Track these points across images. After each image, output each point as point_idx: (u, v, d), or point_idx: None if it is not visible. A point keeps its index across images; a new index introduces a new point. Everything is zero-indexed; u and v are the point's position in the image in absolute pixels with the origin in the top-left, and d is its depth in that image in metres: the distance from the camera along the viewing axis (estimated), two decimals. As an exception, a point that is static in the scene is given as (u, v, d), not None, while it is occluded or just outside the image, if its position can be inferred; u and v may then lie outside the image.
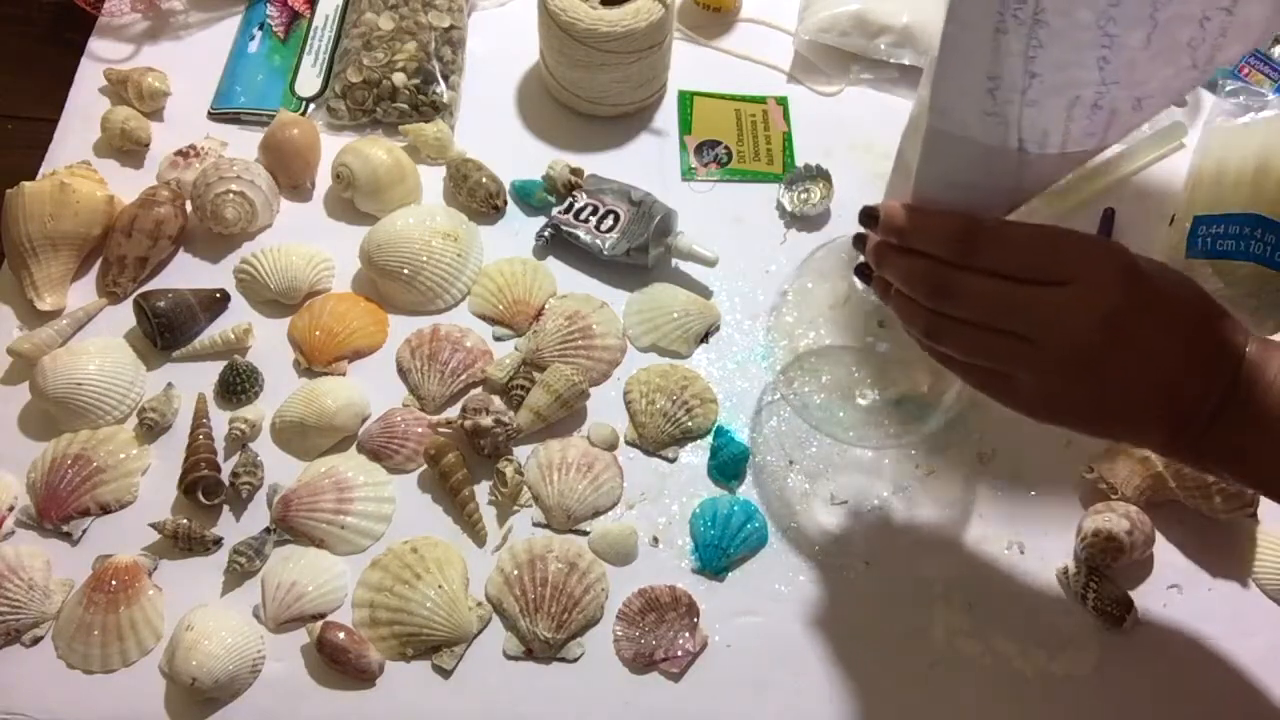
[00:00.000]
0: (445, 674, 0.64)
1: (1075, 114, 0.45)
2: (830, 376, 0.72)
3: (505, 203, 0.83)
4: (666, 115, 0.89)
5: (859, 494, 0.72)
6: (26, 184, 0.75)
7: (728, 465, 0.71)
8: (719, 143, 0.88)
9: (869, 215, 0.52)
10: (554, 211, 0.81)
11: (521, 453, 0.72)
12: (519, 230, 0.83)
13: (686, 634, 0.66)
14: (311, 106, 0.87)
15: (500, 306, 0.78)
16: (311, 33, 0.91)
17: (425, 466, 0.71)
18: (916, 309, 0.50)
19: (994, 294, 0.47)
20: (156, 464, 0.71)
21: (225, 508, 0.69)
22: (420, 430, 0.72)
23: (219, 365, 0.74)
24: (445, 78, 0.86)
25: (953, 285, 0.48)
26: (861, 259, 0.53)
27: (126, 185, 0.80)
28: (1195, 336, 0.48)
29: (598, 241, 0.79)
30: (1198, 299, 0.49)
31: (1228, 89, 0.85)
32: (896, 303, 0.52)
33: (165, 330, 0.74)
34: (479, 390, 0.75)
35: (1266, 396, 0.48)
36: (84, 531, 0.68)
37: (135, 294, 0.76)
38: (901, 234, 0.50)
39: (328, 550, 0.68)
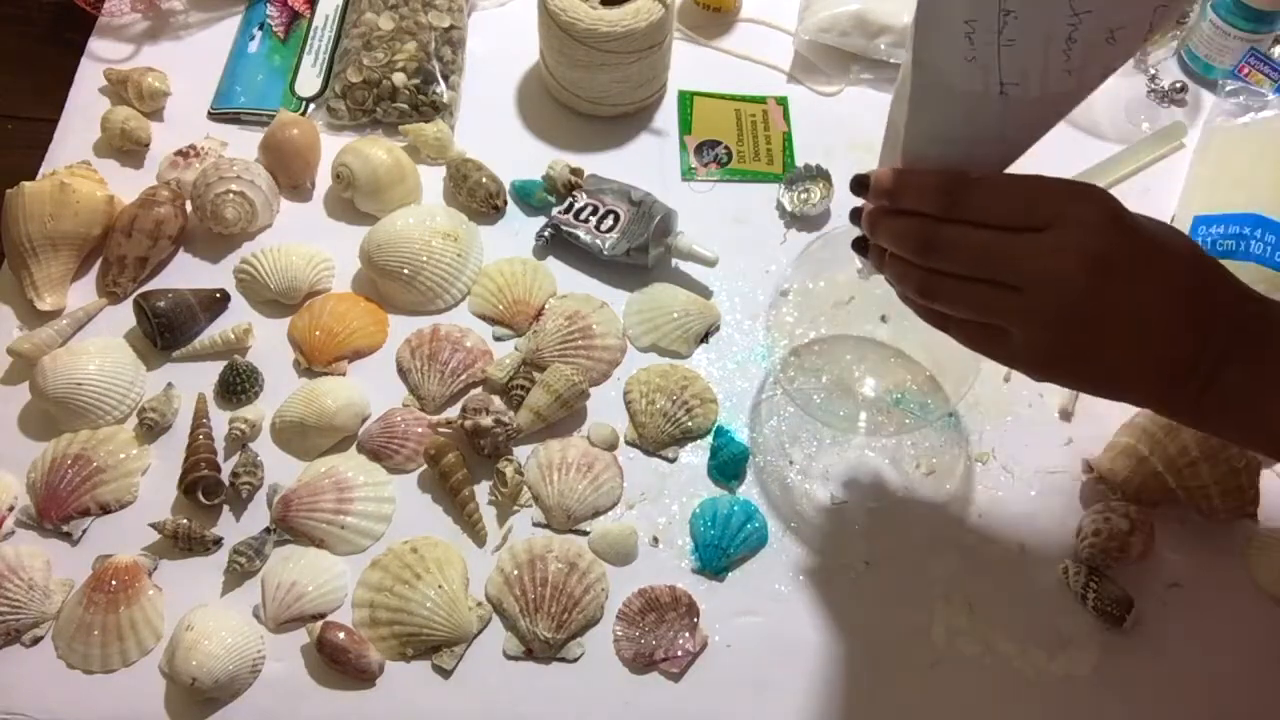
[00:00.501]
0: (445, 674, 0.64)
1: (1051, 51, 0.45)
2: (831, 370, 0.72)
3: (505, 203, 0.83)
4: (666, 115, 0.89)
5: (859, 494, 0.72)
6: (26, 184, 0.75)
7: (728, 465, 0.71)
8: (719, 143, 0.88)
9: (860, 183, 0.52)
10: (554, 211, 0.81)
11: (521, 453, 0.72)
12: (519, 230, 0.83)
13: (686, 634, 0.66)
14: (311, 106, 0.87)
15: (500, 306, 0.78)
16: (311, 33, 0.91)
17: (425, 466, 0.71)
18: (909, 269, 0.50)
19: (979, 243, 0.47)
20: (156, 464, 0.71)
21: (225, 508, 0.69)
22: (420, 430, 0.72)
23: (219, 365, 0.74)
24: (445, 78, 0.86)
25: (939, 238, 0.48)
26: (859, 233, 0.54)
27: (126, 185, 0.80)
28: (1189, 288, 0.47)
29: (598, 241, 0.79)
30: (1190, 253, 0.48)
31: (1228, 89, 0.85)
32: (890, 267, 0.51)
33: (165, 330, 0.74)
34: (479, 390, 0.75)
35: (1271, 355, 0.47)
36: (84, 531, 0.68)
37: (135, 294, 0.76)
38: (890, 195, 0.50)
39: (328, 550, 0.68)
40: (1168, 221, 0.82)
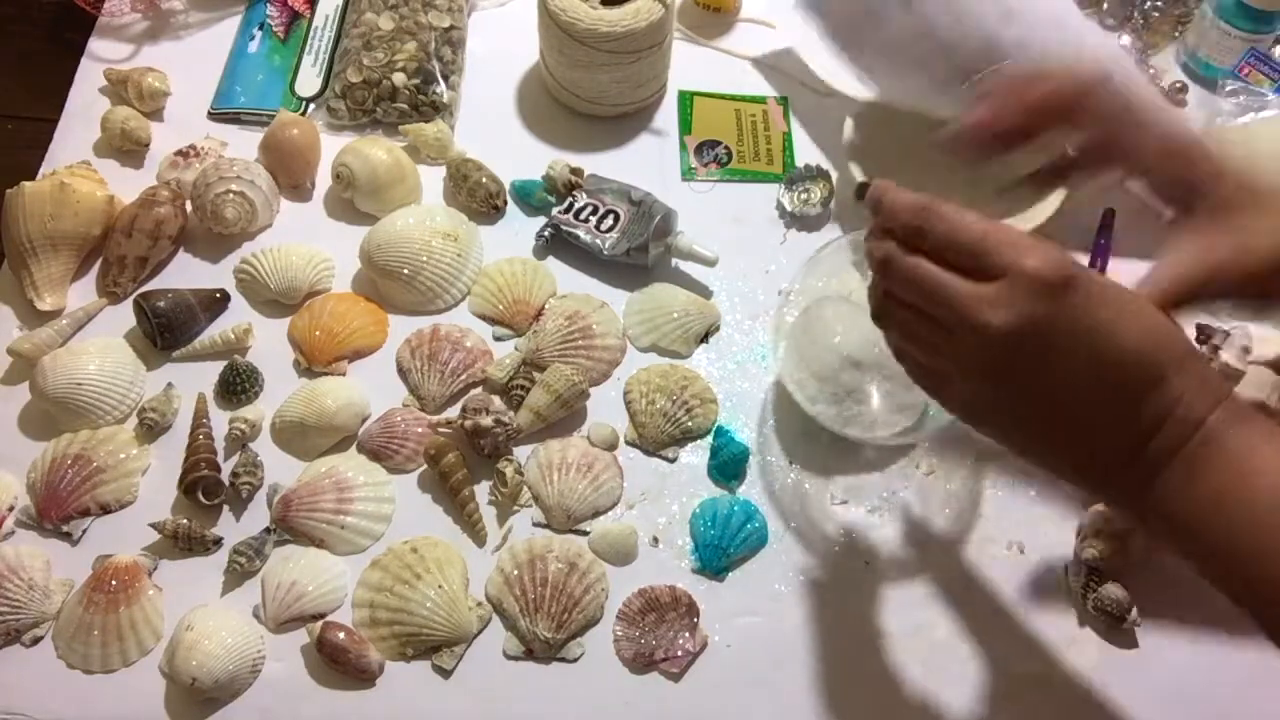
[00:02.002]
0: (445, 674, 0.64)
1: None
2: (835, 370, 0.72)
3: (505, 203, 0.83)
4: (666, 115, 0.89)
5: (859, 494, 0.72)
6: (26, 184, 0.75)
7: (728, 465, 0.71)
8: (719, 143, 0.88)
9: (860, 192, 0.51)
10: (554, 211, 0.81)
11: (521, 453, 0.72)
12: (519, 230, 0.83)
13: (686, 634, 0.66)
14: (311, 106, 0.87)
15: (500, 306, 0.78)
16: (311, 33, 0.91)
17: (425, 466, 0.71)
18: (873, 289, 0.49)
19: (925, 277, 0.45)
20: (156, 464, 0.71)
21: (225, 508, 0.69)
22: (420, 430, 0.72)
23: (219, 365, 0.74)
24: (445, 78, 0.86)
25: (893, 261, 0.47)
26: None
27: (126, 185, 0.80)
28: (1118, 382, 0.44)
29: (598, 241, 0.79)
30: (1135, 347, 0.44)
31: (1228, 89, 0.85)
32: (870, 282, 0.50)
33: (165, 330, 0.74)
34: (479, 390, 0.75)
35: (1219, 476, 0.44)
36: (84, 531, 0.68)
37: (135, 294, 0.76)
38: (875, 211, 0.48)
39: (328, 550, 0.68)
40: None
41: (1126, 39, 0.91)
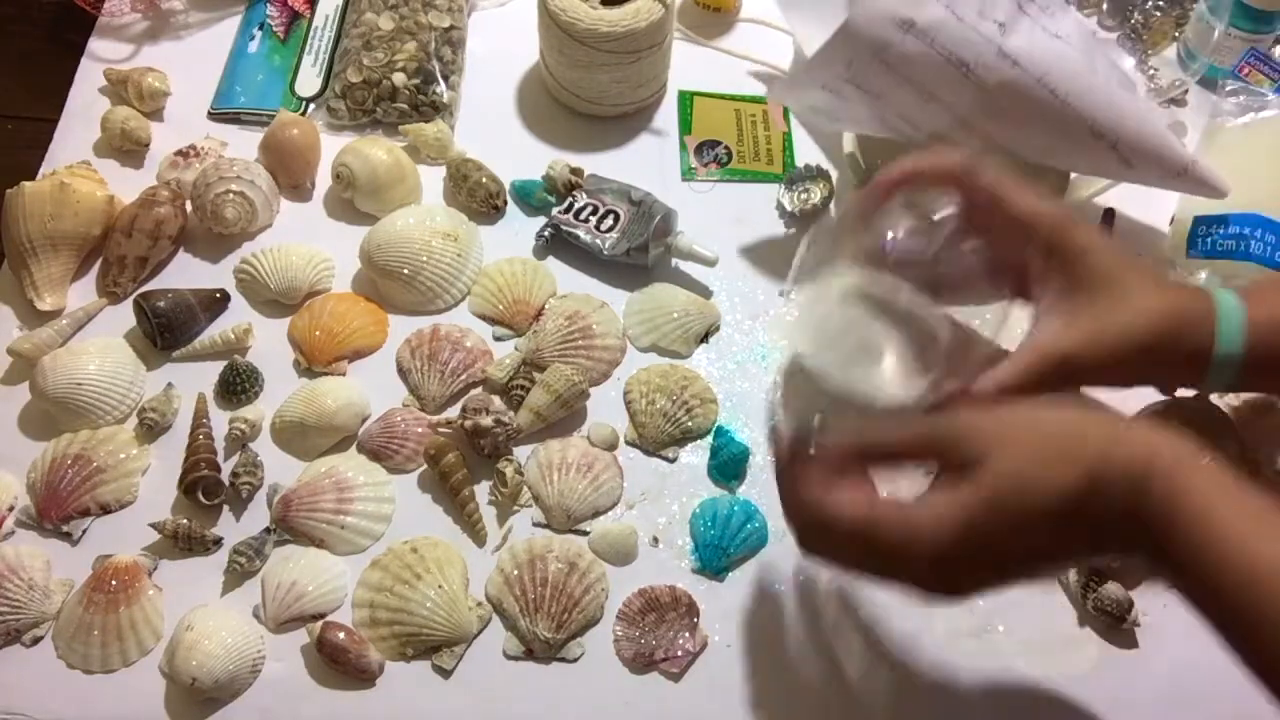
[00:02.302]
0: (445, 674, 0.64)
1: None
2: (849, 338, 0.69)
3: (505, 203, 0.83)
4: (666, 115, 0.89)
5: (859, 494, 0.72)
6: (26, 184, 0.75)
7: (728, 465, 0.71)
8: (719, 143, 0.87)
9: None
10: (554, 211, 0.81)
11: (521, 453, 0.72)
12: (519, 230, 0.82)
13: (686, 634, 0.66)
14: (311, 106, 0.87)
15: (500, 306, 0.78)
16: (311, 33, 0.91)
17: (425, 466, 0.71)
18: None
19: (849, 557, 0.50)
20: (156, 464, 0.71)
21: (225, 508, 0.69)
22: (420, 430, 0.72)
23: (219, 365, 0.74)
24: (445, 78, 0.86)
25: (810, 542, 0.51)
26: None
27: (126, 185, 0.80)
28: (1060, 526, 0.46)
29: (598, 241, 0.79)
30: (1060, 478, 0.46)
31: (1228, 89, 0.85)
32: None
33: (165, 330, 0.74)
34: (479, 390, 0.75)
35: (1174, 535, 0.45)
36: (84, 531, 0.68)
37: (135, 294, 0.76)
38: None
39: (328, 550, 0.68)
40: (1168, 221, 0.82)
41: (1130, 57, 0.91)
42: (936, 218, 0.56)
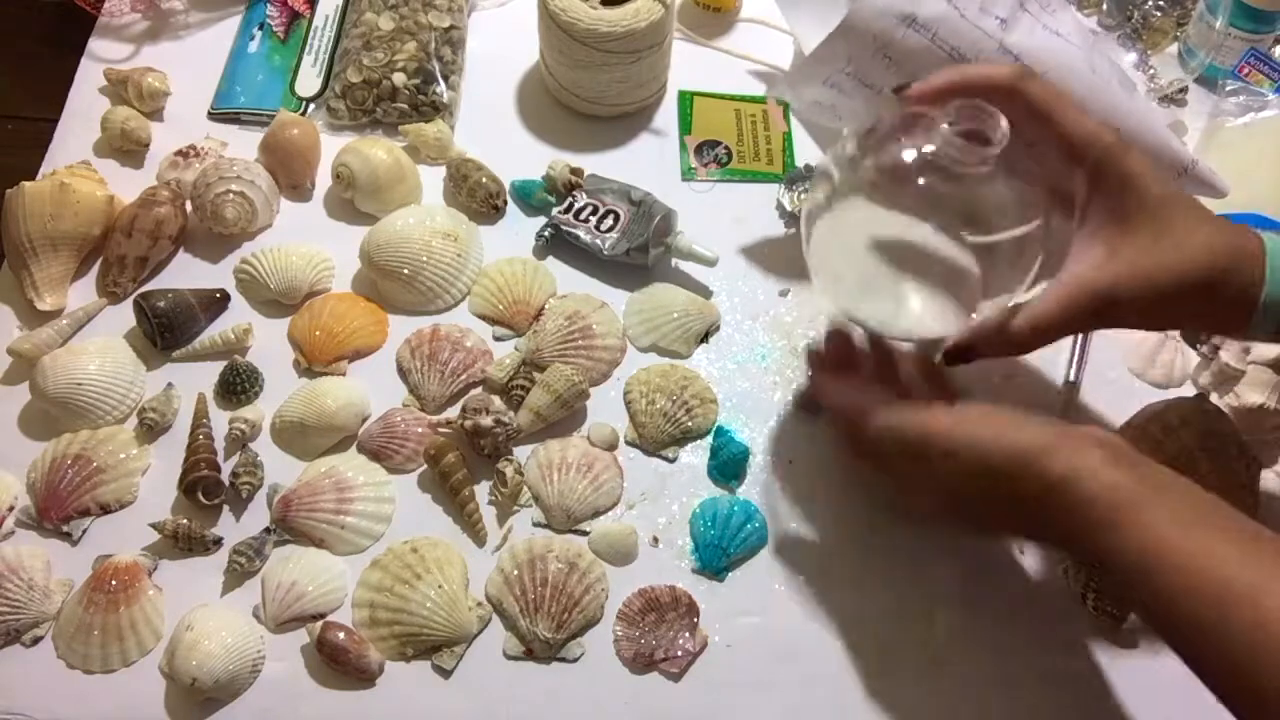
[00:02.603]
0: (445, 674, 0.64)
1: None
2: (875, 275, 0.62)
3: (505, 203, 0.83)
4: (666, 115, 0.89)
5: (860, 493, 0.72)
6: (26, 184, 0.75)
7: (728, 465, 0.71)
8: (719, 143, 0.88)
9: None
10: (554, 211, 0.81)
11: (521, 453, 0.72)
12: (519, 230, 0.83)
13: (686, 634, 0.66)
14: (311, 106, 0.87)
15: (500, 306, 0.78)
16: (311, 33, 0.91)
17: (425, 466, 0.71)
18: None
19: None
20: (156, 464, 0.71)
21: (225, 508, 0.69)
22: (420, 430, 0.72)
23: (219, 365, 0.74)
24: (445, 78, 0.86)
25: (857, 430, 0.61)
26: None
27: (126, 185, 0.80)
28: (1010, 490, 0.53)
29: (598, 241, 0.79)
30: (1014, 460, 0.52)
31: (1228, 89, 0.85)
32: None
33: (165, 330, 0.74)
34: (479, 390, 0.75)
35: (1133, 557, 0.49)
36: (84, 531, 0.68)
37: (135, 294, 0.76)
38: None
39: (328, 550, 0.68)
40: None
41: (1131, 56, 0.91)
42: (985, 134, 0.52)
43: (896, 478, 0.63)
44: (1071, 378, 0.75)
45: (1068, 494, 0.50)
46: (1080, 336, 0.76)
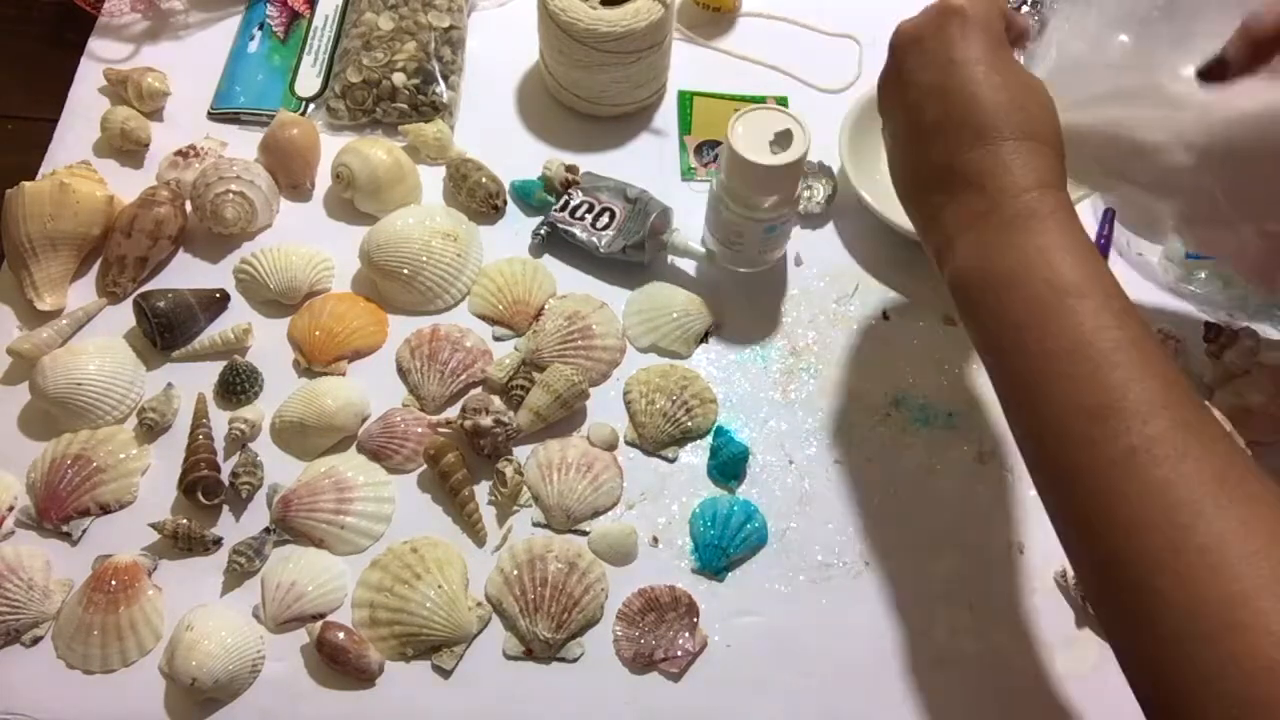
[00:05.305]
0: (445, 674, 0.64)
1: None
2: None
3: (505, 203, 0.83)
4: (666, 115, 0.89)
5: (860, 493, 0.72)
6: (26, 184, 0.75)
7: (728, 465, 0.71)
8: (719, 143, 0.87)
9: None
10: (551, 210, 0.81)
11: (521, 453, 0.72)
12: (519, 230, 0.83)
13: (686, 634, 0.66)
14: (311, 106, 0.87)
15: (500, 306, 0.78)
16: (311, 33, 0.91)
17: (425, 466, 0.71)
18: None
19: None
20: (156, 464, 0.71)
21: (225, 508, 0.69)
22: (420, 430, 0.72)
23: (219, 365, 0.74)
24: (445, 78, 0.86)
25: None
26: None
27: (126, 185, 0.80)
28: (962, 119, 0.50)
29: (594, 239, 0.79)
30: (1003, 102, 0.50)
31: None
32: None
33: (165, 330, 0.74)
34: (479, 390, 0.75)
35: (1017, 256, 0.48)
36: (84, 531, 0.68)
37: (135, 294, 0.76)
38: None
39: (328, 550, 0.68)
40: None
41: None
42: None
43: (893, 71, 0.56)
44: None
45: (1001, 179, 0.49)
46: None
